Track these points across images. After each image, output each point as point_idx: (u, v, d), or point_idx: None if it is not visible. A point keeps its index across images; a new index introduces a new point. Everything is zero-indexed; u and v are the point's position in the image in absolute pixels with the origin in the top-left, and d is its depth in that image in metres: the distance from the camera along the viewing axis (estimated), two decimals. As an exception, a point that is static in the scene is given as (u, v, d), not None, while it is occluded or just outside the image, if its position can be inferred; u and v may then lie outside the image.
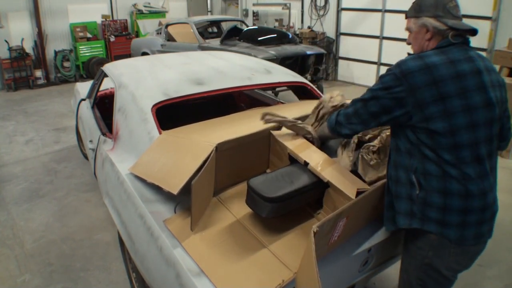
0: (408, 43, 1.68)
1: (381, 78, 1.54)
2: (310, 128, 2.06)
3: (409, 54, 1.66)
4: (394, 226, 1.68)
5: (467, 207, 1.50)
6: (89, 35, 9.41)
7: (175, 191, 1.71)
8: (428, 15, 1.55)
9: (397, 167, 1.60)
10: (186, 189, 1.69)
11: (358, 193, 1.70)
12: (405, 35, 1.69)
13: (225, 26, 8.46)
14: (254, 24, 9.99)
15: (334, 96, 2.12)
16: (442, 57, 1.49)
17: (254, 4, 10.40)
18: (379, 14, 7.86)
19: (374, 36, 8.05)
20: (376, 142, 1.96)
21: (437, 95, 1.44)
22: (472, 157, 1.48)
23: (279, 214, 1.73)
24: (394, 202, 1.64)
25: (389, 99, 1.49)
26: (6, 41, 8.22)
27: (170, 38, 7.82)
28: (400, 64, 1.50)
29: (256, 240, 1.67)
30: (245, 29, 7.42)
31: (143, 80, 2.65)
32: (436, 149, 1.47)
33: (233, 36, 7.11)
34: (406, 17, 1.65)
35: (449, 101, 1.44)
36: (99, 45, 9.52)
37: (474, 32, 1.55)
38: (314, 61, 6.80)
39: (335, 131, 1.76)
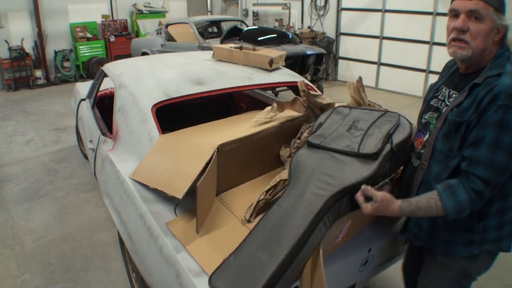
0: (463, 30, 1.35)
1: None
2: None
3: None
4: (423, 242, 1.62)
5: None
6: (89, 35, 9.40)
7: (179, 195, 1.70)
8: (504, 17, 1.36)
9: None
10: (188, 191, 1.69)
11: None
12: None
13: (225, 26, 8.47)
14: (254, 24, 9.98)
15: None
16: None
17: (254, 4, 10.39)
18: (379, 14, 7.84)
19: (374, 36, 8.03)
20: None
21: None
22: None
23: None
24: (444, 231, 1.53)
25: None
26: (6, 41, 8.22)
27: (170, 38, 7.82)
28: None
29: None
30: (245, 29, 7.43)
31: (143, 80, 2.64)
32: None
33: (233, 36, 7.11)
34: None
35: None
36: (99, 45, 9.51)
37: None
38: (314, 61, 6.81)
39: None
